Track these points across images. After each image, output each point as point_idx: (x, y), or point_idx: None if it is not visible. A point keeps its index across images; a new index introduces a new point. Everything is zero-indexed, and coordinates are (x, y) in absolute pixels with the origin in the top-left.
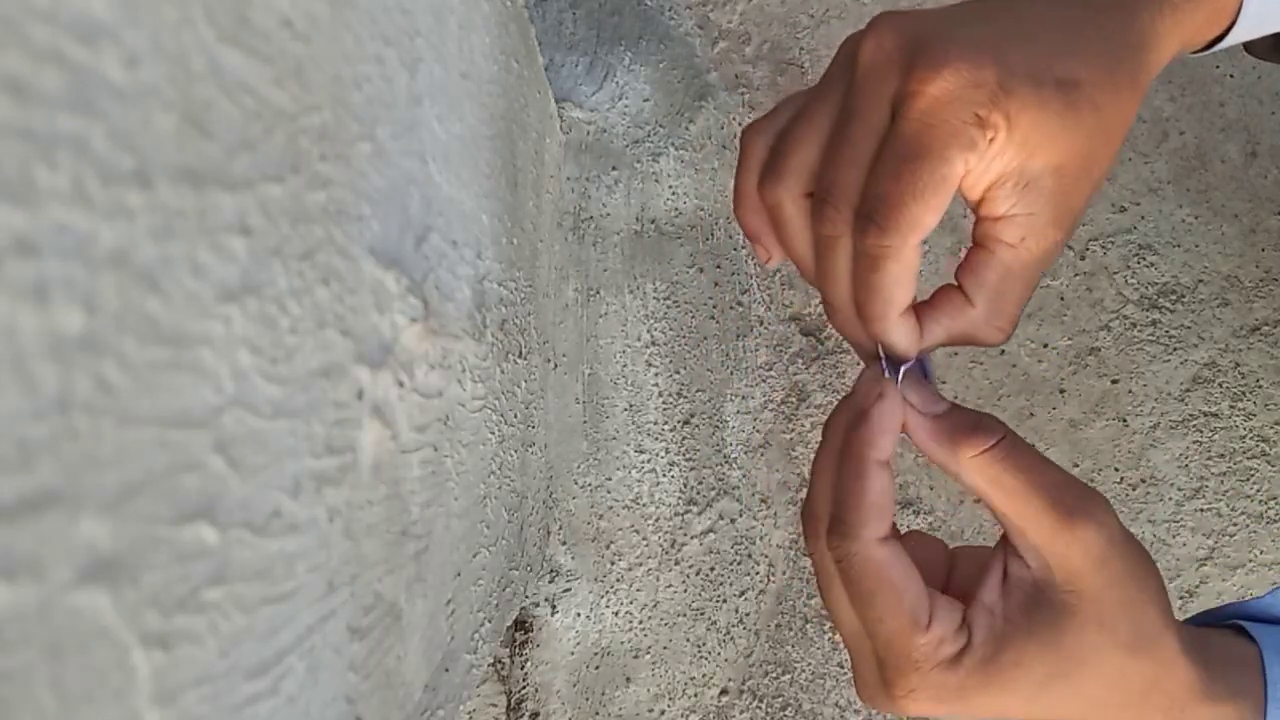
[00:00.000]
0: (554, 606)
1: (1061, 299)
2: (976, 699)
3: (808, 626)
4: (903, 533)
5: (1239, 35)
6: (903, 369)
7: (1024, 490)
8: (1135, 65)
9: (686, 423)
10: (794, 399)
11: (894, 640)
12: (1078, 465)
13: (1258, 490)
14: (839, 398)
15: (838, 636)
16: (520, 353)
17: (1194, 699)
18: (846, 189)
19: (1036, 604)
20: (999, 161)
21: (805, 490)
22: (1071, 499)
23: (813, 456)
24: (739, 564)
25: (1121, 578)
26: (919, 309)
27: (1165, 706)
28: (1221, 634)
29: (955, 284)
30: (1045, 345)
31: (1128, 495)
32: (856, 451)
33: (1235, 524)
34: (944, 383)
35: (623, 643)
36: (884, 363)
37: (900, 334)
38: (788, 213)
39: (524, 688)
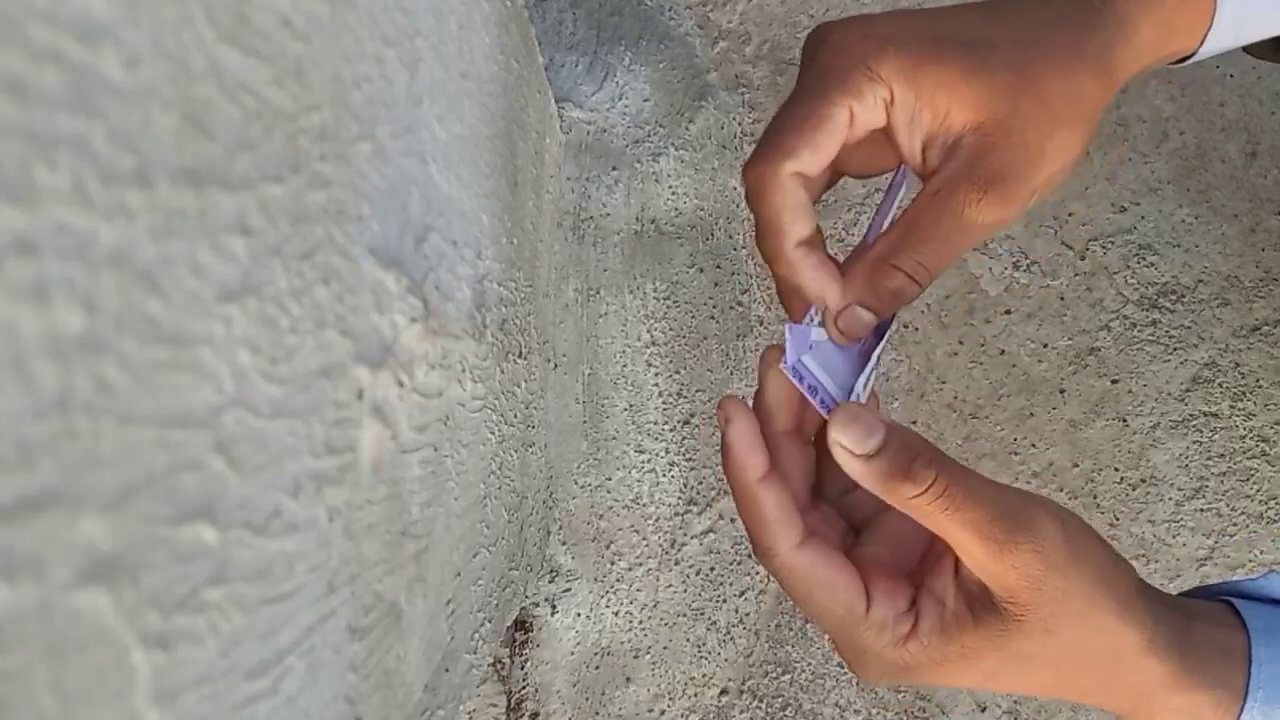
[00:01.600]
0: (554, 606)
1: (1061, 299)
2: (925, 677)
3: (808, 626)
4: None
5: (1216, 42)
6: (790, 360)
7: (955, 527)
8: (1082, 38)
9: (686, 423)
10: None
11: (839, 629)
12: (1078, 465)
13: (1258, 490)
14: None
15: None
16: (520, 353)
17: (1163, 690)
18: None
19: (983, 606)
20: (920, 124)
21: None
22: (1002, 532)
23: None
24: (739, 564)
25: (1064, 593)
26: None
27: (1131, 697)
28: (1209, 619)
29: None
30: (1045, 345)
31: (1128, 495)
32: (735, 480)
33: (1235, 524)
34: (944, 383)
35: (623, 643)
36: (810, 319)
37: (805, 269)
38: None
39: (524, 688)
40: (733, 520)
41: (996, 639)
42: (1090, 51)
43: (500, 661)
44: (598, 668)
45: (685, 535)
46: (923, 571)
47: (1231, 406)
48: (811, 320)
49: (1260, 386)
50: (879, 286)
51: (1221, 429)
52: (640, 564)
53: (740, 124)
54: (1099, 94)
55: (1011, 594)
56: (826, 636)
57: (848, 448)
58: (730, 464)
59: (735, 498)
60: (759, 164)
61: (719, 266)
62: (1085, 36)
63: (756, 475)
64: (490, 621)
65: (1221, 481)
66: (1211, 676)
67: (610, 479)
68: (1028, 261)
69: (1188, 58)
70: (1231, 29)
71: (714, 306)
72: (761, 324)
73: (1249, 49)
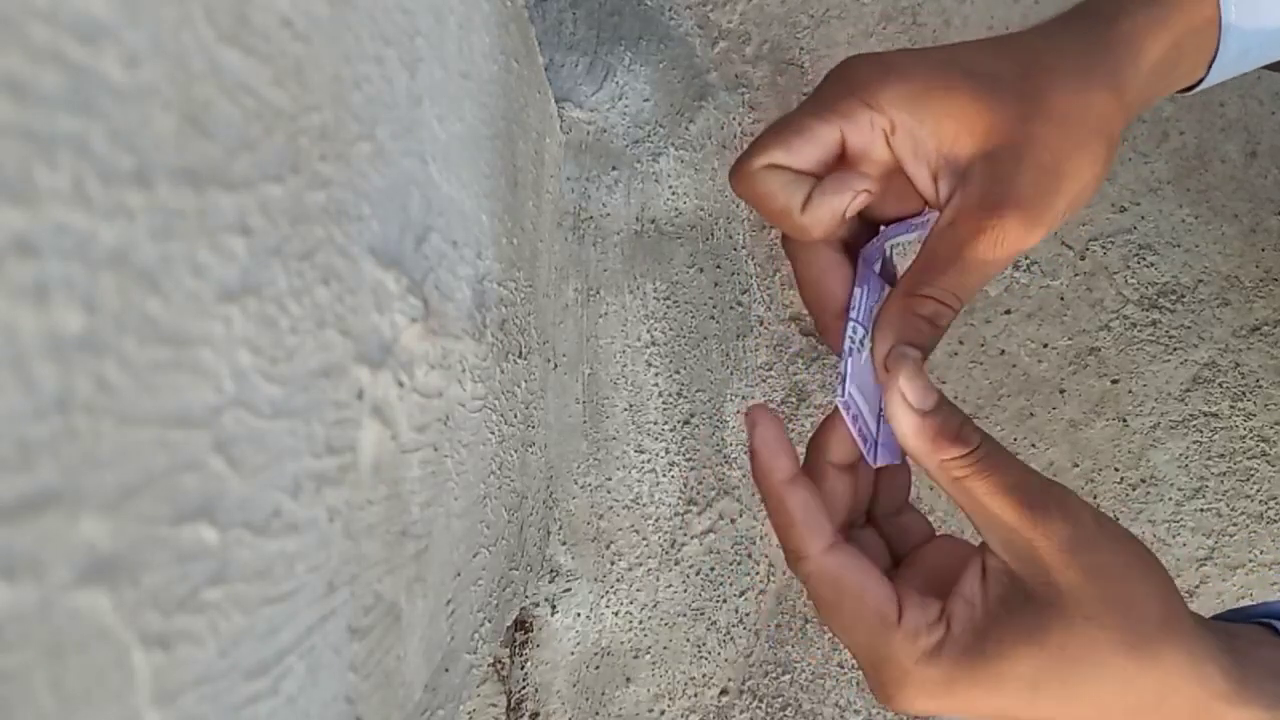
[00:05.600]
0: (554, 606)
1: (1061, 299)
2: (967, 694)
3: (808, 626)
4: (937, 534)
5: (1223, 69)
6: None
7: (989, 492)
8: (1089, 62)
9: (686, 423)
10: (794, 399)
11: (871, 642)
12: (1078, 465)
13: (1258, 490)
14: None
15: None
16: (520, 353)
17: (1219, 701)
18: None
19: (1015, 595)
20: (925, 153)
21: None
22: (1034, 496)
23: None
24: (739, 564)
25: (1101, 572)
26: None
27: (1187, 712)
28: (1252, 636)
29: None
30: (1045, 345)
31: (1128, 495)
32: (762, 484)
33: (1235, 524)
34: (944, 383)
35: (623, 643)
36: (854, 315)
37: (831, 195)
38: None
39: (524, 688)
40: (733, 520)
41: (1034, 631)
42: (1098, 72)
43: (500, 661)
44: (598, 668)
45: (685, 535)
46: (950, 589)
47: (1231, 406)
48: (853, 347)
49: (1260, 386)
50: (913, 317)
51: (1221, 429)
52: (640, 564)
53: (740, 124)
54: (1112, 113)
55: (1044, 570)
56: (849, 660)
57: (909, 401)
58: (757, 468)
59: (765, 504)
60: (734, 168)
61: (719, 266)
62: (1092, 60)
63: (782, 477)
64: (490, 621)
65: (1221, 481)
66: (1268, 694)
67: (610, 479)
68: (1027, 261)
69: (1194, 86)
70: (1236, 58)
71: (714, 306)
72: (761, 324)
73: None
